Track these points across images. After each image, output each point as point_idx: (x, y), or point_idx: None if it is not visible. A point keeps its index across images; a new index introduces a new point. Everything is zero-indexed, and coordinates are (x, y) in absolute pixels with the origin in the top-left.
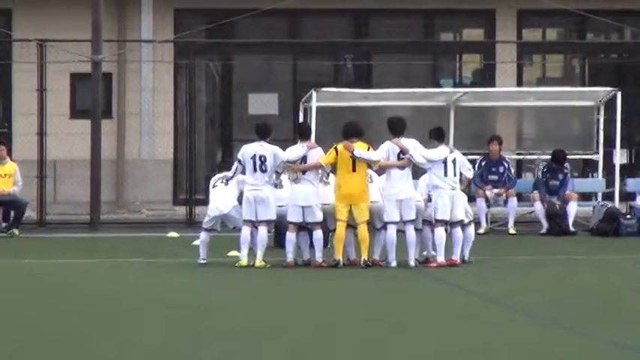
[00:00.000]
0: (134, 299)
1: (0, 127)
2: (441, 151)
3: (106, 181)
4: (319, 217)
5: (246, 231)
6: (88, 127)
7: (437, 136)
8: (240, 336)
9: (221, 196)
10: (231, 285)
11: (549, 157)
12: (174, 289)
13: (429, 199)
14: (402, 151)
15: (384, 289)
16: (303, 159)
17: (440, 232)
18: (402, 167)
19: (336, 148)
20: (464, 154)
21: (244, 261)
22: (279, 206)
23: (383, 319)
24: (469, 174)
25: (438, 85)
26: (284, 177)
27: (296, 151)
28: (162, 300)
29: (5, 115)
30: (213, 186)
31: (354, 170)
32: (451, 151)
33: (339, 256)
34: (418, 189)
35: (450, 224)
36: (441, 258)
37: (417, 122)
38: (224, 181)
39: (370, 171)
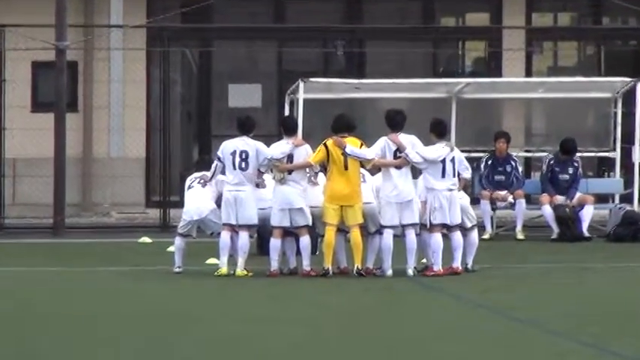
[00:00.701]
0: (100, 313)
1: None
2: (440, 150)
3: (71, 182)
4: (307, 220)
5: (225, 236)
6: (51, 121)
7: (437, 131)
8: (218, 354)
9: (197, 199)
10: (210, 296)
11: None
12: (146, 301)
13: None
14: (399, 149)
15: (378, 302)
16: (289, 157)
17: (437, 237)
18: (398, 166)
19: (325, 144)
20: (467, 151)
21: (224, 269)
22: (262, 209)
23: (376, 336)
24: (466, 174)
25: (439, 76)
26: (267, 176)
27: (281, 147)
28: (131, 314)
29: None
30: (189, 187)
31: (345, 169)
32: (451, 149)
33: (328, 265)
34: (417, 190)
35: (448, 228)
36: (437, 266)
37: (415, 116)
38: (201, 181)
39: (362, 170)
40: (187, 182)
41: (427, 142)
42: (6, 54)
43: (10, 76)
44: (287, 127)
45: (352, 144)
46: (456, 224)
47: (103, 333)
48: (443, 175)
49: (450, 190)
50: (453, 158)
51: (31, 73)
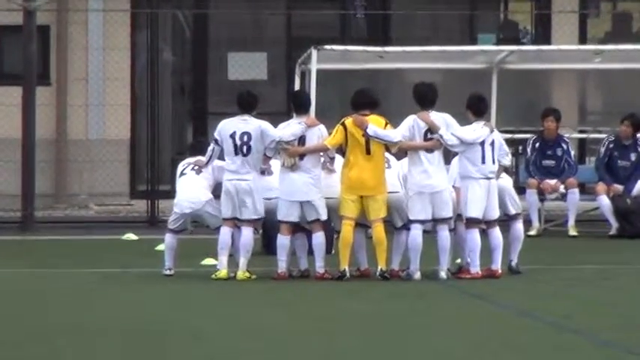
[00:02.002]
0: (75, 324)
1: None
2: (479, 131)
3: (42, 168)
4: (321, 214)
5: (225, 233)
6: (19, 96)
7: (476, 108)
8: None
9: (191, 188)
10: (206, 304)
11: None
12: (130, 309)
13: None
14: (431, 129)
15: (405, 310)
16: (301, 139)
17: (474, 234)
18: (429, 150)
19: (343, 124)
20: (510, 132)
21: (223, 271)
22: (268, 199)
23: (402, 351)
24: (505, 160)
25: (476, 42)
26: (274, 162)
27: (291, 128)
28: (113, 324)
29: None
30: (181, 174)
31: (367, 153)
32: (491, 131)
33: (345, 266)
34: (449, 176)
35: (486, 224)
36: (475, 268)
37: (449, 91)
38: (195, 167)
39: (387, 154)
40: (179, 168)
41: (463, 121)
42: None
43: None
44: (298, 104)
45: (375, 124)
46: (495, 219)
47: (78, 349)
48: (483, 161)
49: (489, 178)
50: (493, 141)
51: None
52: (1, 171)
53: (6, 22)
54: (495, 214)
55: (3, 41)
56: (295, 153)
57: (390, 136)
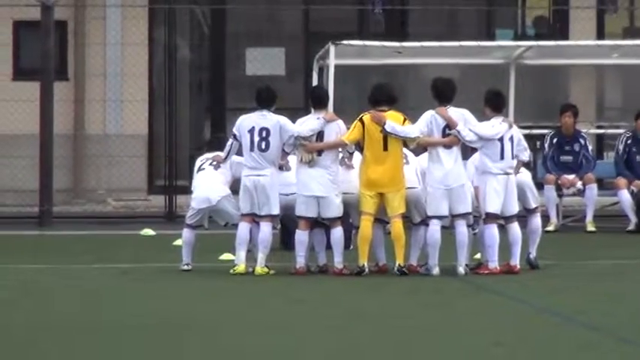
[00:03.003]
0: (93, 320)
1: None
2: (497, 127)
3: (59, 163)
4: (339, 210)
5: (243, 228)
6: (37, 91)
7: (494, 103)
8: None
9: (209, 183)
10: (224, 299)
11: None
12: (148, 304)
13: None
14: (449, 125)
15: (423, 306)
16: (319, 135)
17: (492, 230)
18: (448, 146)
19: (361, 119)
20: (527, 127)
21: (241, 266)
22: (285, 194)
23: (420, 346)
24: (524, 156)
25: (494, 38)
26: (292, 158)
27: (309, 123)
28: (130, 320)
29: None
30: (199, 169)
31: (385, 149)
32: (510, 126)
33: (364, 261)
34: (467, 172)
35: (505, 219)
36: (493, 263)
37: (466, 86)
38: (213, 163)
39: (405, 150)
40: (197, 163)
41: (480, 117)
42: None
43: None
44: (316, 99)
45: (393, 119)
46: (514, 214)
47: (95, 344)
48: (502, 157)
49: (508, 174)
50: (512, 137)
51: (13, 34)
52: (20, 166)
53: (24, 18)
54: (514, 209)
55: (21, 37)
56: (313, 149)
57: (408, 133)
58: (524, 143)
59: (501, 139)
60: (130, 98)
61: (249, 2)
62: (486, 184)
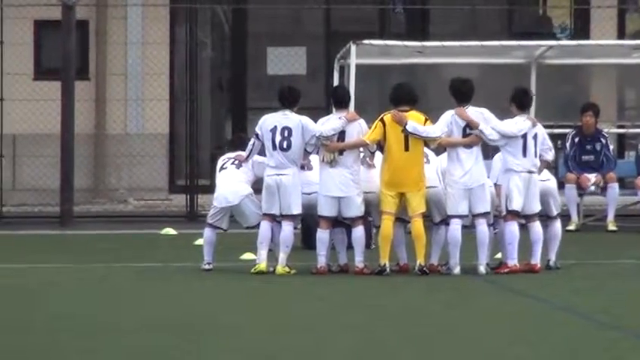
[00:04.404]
0: (112, 320)
1: None
2: (520, 124)
3: (81, 163)
4: (360, 210)
5: (265, 227)
6: (58, 90)
7: (520, 101)
8: None
9: (231, 182)
10: (245, 299)
11: None
12: (169, 304)
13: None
14: (470, 125)
15: (444, 305)
16: (341, 134)
17: (513, 227)
18: (467, 146)
19: (382, 119)
20: (548, 127)
21: (263, 264)
22: (307, 193)
23: (441, 345)
24: (549, 155)
25: (515, 37)
26: (314, 157)
27: (331, 123)
28: (150, 320)
29: None
30: (221, 168)
31: (406, 149)
32: (534, 124)
33: (385, 261)
34: (492, 172)
35: (526, 218)
36: (513, 261)
37: (487, 85)
38: (235, 162)
39: (426, 149)
40: (219, 163)
41: (502, 115)
42: (3, 11)
43: (8, 38)
44: (338, 99)
45: (414, 119)
46: (535, 213)
47: (116, 343)
48: (524, 154)
49: (531, 172)
50: (536, 135)
51: (34, 33)
52: (41, 166)
53: (45, 17)
54: (536, 207)
55: (42, 36)
56: (335, 148)
57: (430, 133)
58: (549, 143)
59: (524, 137)
60: (151, 97)
61: (270, 2)
62: (509, 181)
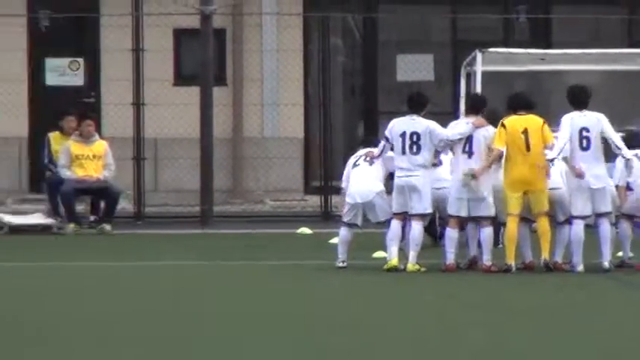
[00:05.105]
0: (249, 314)
1: (85, 97)
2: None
3: (219, 165)
4: (490, 211)
5: (396, 226)
6: (196, 96)
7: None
8: None
9: (364, 179)
10: (377, 296)
11: None
12: (306, 302)
13: (629, 188)
14: (586, 127)
15: (571, 302)
16: (468, 139)
17: (627, 225)
18: (585, 148)
19: (503, 124)
20: None
21: (394, 260)
22: (437, 188)
23: (569, 343)
24: None
25: (636, 45)
26: (444, 157)
27: (459, 127)
28: (288, 316)
29: (92, 82)
30: (354, 164)
31: (527, 149)
32: None
33: (511, 261)
34: (615, 173)
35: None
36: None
37: (608, 91)
38: (367, 159)
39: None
40: (351, 160)
41: (620, 121)
42: (144, 20)
43: (149, 46)
44: (469, 105)
45: (532, 123)
46: None
47: (255, 337)
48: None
49: None
50: None
51: (173, 41)
52: (181, 168)
53: (185, 26)
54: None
55: (181, 44)
56: (482, 172)
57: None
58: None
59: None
60: (286, 102)
61: (399, 10)
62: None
